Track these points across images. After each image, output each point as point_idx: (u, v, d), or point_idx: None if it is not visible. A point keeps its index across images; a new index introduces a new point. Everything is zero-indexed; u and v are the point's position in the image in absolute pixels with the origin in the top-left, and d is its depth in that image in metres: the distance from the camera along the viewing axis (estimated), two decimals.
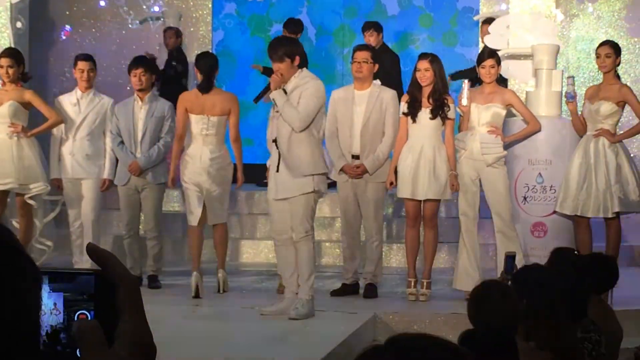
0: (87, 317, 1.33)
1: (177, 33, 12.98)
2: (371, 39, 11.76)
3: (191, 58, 12.07)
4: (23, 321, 1.21)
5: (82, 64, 9.46)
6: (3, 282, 1.19)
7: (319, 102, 7.88)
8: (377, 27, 11.94)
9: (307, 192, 7.81)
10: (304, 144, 7.81)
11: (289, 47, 7.94)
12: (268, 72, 11.73)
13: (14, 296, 1.20)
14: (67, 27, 13.87)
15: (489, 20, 11.63)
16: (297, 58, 7.85)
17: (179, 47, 12.95)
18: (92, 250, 1.33)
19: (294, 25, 12.41)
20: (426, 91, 8.61)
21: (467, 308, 4.51)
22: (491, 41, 10.04)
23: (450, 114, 8.62)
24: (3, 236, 1.22)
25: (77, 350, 1.30)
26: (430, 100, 8.58)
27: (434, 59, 8.73)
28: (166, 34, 12.94)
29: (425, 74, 8.61)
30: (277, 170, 7.84)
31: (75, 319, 1.33)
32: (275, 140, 7.87)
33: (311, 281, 7.85)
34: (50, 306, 1.32)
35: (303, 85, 7.78)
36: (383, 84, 9.30)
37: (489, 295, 4.51)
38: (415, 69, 8.71)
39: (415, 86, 8.69)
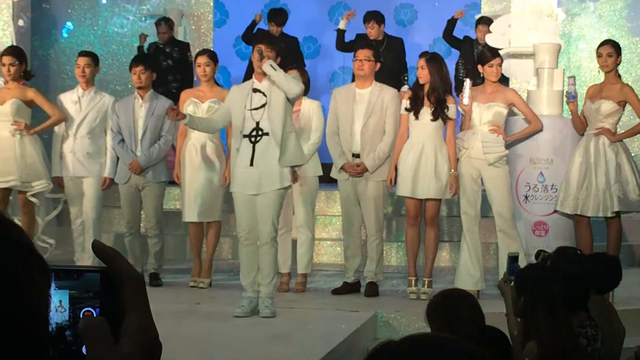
0: (92, 314, 1.33)
1: (170, 25, 12.56)
2: (372, 31, 11.67)
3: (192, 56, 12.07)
4: (33, 320, 1.21)
5: (79, 60, 9.49)
6: (14, 280, 1.19)
7: None
8: (378, 19, 11.76)
9: (285, 186, 7.79)
10: (292, 133, 7.84)
11: (281, 48, 8.06)
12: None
13: (25, 294, 1.20)
14: (69, 24, 13.86)
15: (484, 20, 11.67)
16: (279, 59, 7.90)
17: (173, 38, 12.63)
18: (98, 248, 1.33)
19: (280, 17, 12.22)
20: (425, 89, 8.63)
21: (430, 319, 4.50)
22: (493, 40, 10.04)
23: (451, 114, 8.62)
24: (14, 234, 1.22)
25: (83, 347, 1.30)
26: (431, 99, 8.59)
27: (431, 58, 8.74)
28: (159, 28, 12.46)
29: (421, 72, 8.64)
30: (252, 164, 7.76)
31: (81, 316, 1.33)
32: (250, 135, 7.77)
33: (275, 280, 7.93)
34: (56, 303, 1.32)
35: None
36: (389, 75, 9.27)
37: (450, 303, 4.53)
38: (416, 67, 8.79)
39: (417, 84, 8.73)
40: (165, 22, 12.47)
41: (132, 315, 1.30)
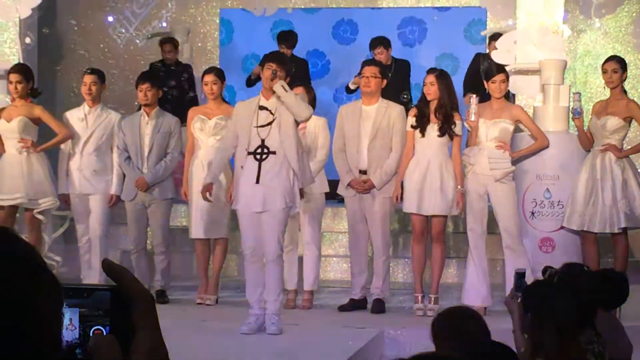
0: (102, 332, 1.34)
1: (176, 44, 12.50)
2: (381, 56, 11.64)
3: (198, 73, 12.10)
4: (45, 339, 1.22)
5: (85, 78, 9.51)
6: (26, 299, 1.19)
7: None
8: (385, 43, 11.80)
9: (289, 205, 7.75)
10: (304, 154, 7.86)
11: (291, 68, 8.09)
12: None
13: (37, 314, 1.20)
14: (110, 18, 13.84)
15: (496, 36, 11.64)
16: (288, 79, 7.91)
17: (178, 60, 12.53)
18: (108, 266, 1.33)
19: (290, 39, 12.21)
20: (433, 106, 8.64)
21: (434, 340, 4.49)
22: (499, 56, 10.05)
23: (457, 130, 8.63)
24: (26, 253, 1.23)
25: None
26: (438, 116, 8.60)
27: (441, 74, 8.77)
28: (165, 47, 12.35)
29: (430, 88, 8.65)
30: (257, 182, 7.76)
31: (91, 334, 1.33)
32: (255, 152, 7.79)
33: (281, 297, 7.93)
34: (66, 322, 1.32)
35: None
36: (396, 94, 9.25)
37: (455, 322, 4.52)
38: (423, 84, 8.77)
39: (424, 101, 8.73)
40: (170, 42, 12.47)
41: (143, 334, 1.30)
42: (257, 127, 7.76)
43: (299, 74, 11.13)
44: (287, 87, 7.68)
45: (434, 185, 8.59)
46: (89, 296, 1.34)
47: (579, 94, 9.34)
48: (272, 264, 7.76)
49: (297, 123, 7.84)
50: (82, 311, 1.34)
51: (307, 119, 7.98)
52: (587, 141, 9.10)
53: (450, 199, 8.60)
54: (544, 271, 5.77)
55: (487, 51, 11.89)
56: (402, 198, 8.78)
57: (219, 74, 9.33)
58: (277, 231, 7.72)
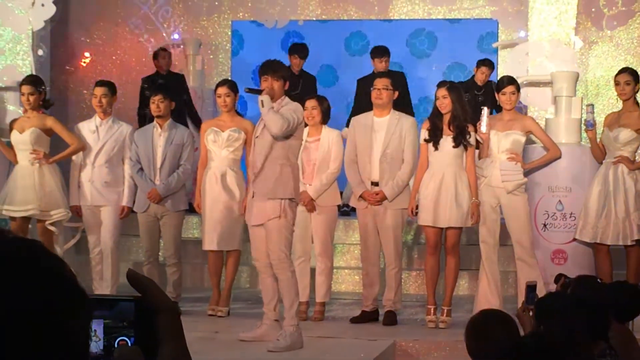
0: (127, 343, 1.34)
1: (169, 54, 12.44)
2: (383, 64, 11.68)
3: (210, 85, 12.12)
4: (73, 354, 1.22)
5: (96, 90, 9.52)
6: (56, 314, 1.19)
7: (298, 117, 7.70)
8: (387, 52, 11.79)
9: (273, 217, 7.63)
10: (277, 165, 7.65)
11: (287, 71, 7.99)
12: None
13: (67, 329, 1.20)
14: (87, 54, 13.96)
15: (485, 62, 11.72)
16: (287, 83, 7.88)
17: (170, 70, 12.41)
18: (133, 277, 1.34)
19: (302, 50, 12.23)
20: (446, 118, 8.63)
21: (466, 340, 4.56)
22: (510, 68, 10.06)
23: (472, 141, 8.63)
24: (55, 266, 1.23)
25: None
26: (452, 128, 8.60)
27: (451, 86, 8.77)
28: (160, 55, 12.24)
29: (443, 102, 8.64)
30: (253, 196, 7.76)
31: (116, 345, 1.34)
32: (253, 165, 7.80)
33: (294, 310, 7.69)
34: (91, 333, 1.33)
35: (285, 106, 7.76)
36: (396, 106, 9.22)
37: (488, 325, 4.55)
38: (435, 98, 8.75)
39: (436, 114, 8.71)
40: (163, 51, 12.41)
41: (168, 345, 1.30)
42: (256, 138, 7.80)
43: (307, 89, 11.16)
44: (266, 103, 7.58)
45: (449, 197, 8.57)
46: (113, 307, 1.35)
47: (592, 105, 9.32)
48: (278, 275, 7.72)
49: (284, 137, 7.70)
50: (107, 322, 1.34)
51: (277, 134, 7.57)
52: (599, 153, 9.09)
53: (465, 211, 8.59)
54: (557, 279, 5.78)
55: (474, 74, 11.95)
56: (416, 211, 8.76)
57: (232, 86, 9.32)
58: (273, 242, 7.64)
